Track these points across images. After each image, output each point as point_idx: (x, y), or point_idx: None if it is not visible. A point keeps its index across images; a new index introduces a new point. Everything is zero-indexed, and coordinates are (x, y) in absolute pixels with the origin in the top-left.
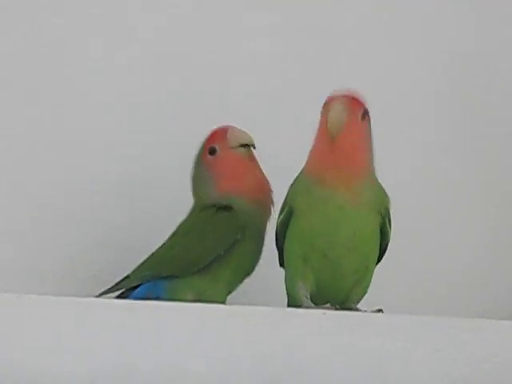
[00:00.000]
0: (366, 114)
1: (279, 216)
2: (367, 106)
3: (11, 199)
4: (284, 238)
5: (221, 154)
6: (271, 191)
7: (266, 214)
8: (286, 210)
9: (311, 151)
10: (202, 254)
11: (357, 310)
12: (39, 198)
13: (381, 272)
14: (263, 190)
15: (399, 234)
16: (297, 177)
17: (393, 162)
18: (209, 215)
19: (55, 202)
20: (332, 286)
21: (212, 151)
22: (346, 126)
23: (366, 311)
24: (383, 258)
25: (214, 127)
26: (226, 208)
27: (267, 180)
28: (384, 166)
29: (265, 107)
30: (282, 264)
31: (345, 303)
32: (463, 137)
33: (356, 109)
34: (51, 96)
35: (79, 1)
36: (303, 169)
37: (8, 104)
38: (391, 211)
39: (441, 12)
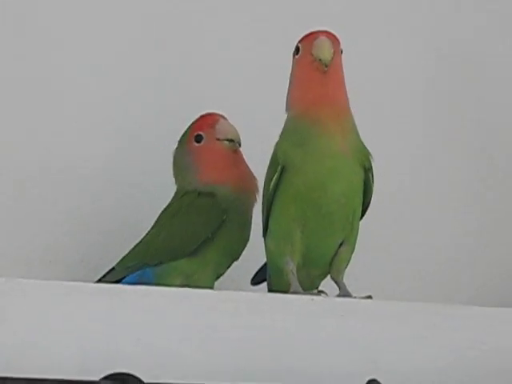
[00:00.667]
0: (342, 50)
1: (269, 178)
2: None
3: (6, 185)
4: (273, 201)
5: (206, 143)
6: (256, 181)
7: (251, 200)
8: (277, 169)
9: (295, 91)
10: (189, 239)
11: (345, 292)
12: (25, 182)
13: (370, 258)
14: (247, 181)
15: (387, 220)
16: (283, 128)
17: (385, 154)
18: (191, 200)
19: (42, 185)
20: (321, 248)
21: (198, 139)
22: (333, 60)
23: (355, 297)
24: (371, 244)
25: (202, 113)
26: (208, 194)
27: (251, 173)
28: (377, 157)
29: (251, 97)
30: (265, 233)
31: (331, 271)
32: (454, 128)
33: (337, 42)
34: (36, 85)
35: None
36: (289, 113)
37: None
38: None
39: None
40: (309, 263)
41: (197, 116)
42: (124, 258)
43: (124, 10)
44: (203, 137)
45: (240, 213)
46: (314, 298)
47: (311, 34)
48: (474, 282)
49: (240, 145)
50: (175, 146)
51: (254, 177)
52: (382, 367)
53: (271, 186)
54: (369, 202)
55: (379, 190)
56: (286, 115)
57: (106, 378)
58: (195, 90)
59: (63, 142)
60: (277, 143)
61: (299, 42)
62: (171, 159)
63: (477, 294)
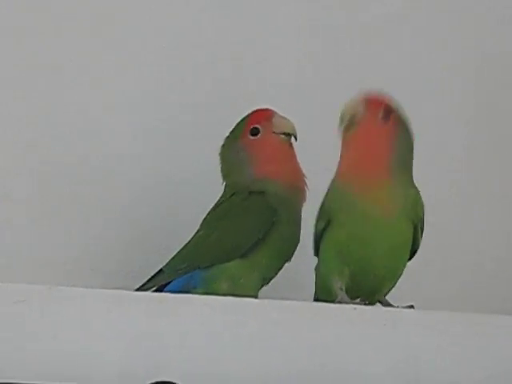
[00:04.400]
0: (388, 114)
1: (317, 222)
2: (395, 107)
3: (38, 193)
4: (320, 241)
5: (263, 136)
6: (305, 178)
7: (300, 199)
8: (324, 218)
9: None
10: (240, 240)
11: (388, 304)
12: (70, 190)
13: (412, 269)
14: (298, 177)
15: (428, 231)
16: (333, 179)
17: (426, 164)
18: (240, 200)
19: (86, 194)
20: (364, 283)
21: (254, 132)
22: (360, 124)
23: (397, 307)
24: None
25: (254, 108)
26: (259, 193)
27: (301, 169)
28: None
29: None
30: (316, 254)
31: (375, 295)
32: (483, 130)
33: (375, 107)
34: (69, 92)
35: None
36: (335, 174)
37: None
38: (424, 218)
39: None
40: (355, 290)
41: (240, 113)
42: (172, 259)
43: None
44: (260, 130)
45: (290, 212)
46: (357, 307)
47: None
48: None
49: (296, 138)
50: (213, 153)
51: (304, 174)
52: (423, 376)
53: (317, 231)
54: (416, 250)
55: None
56: None
57: None
58: (236, 88)
59: (105, 151)
60: (325, 194)
61: None
62: (210, 167)
63: None
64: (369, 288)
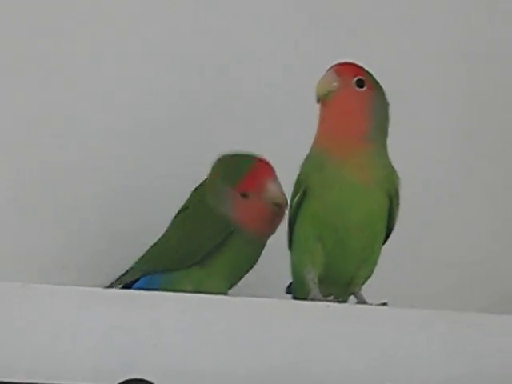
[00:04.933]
0: (363, 82)
1: (293, 196)
2: (368, 74)
3: (10, 189)
4: (296, 218)
5: (252, 201)
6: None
7: None
8: (300, 190)
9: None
10: (196, 247)
11: (363, 301)
12: (39, 188)
13: (386, 265)
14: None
15: (404, 228)
16: (309, 153)
17: (401, 152)
18: (204, 205)
19: (56, 191)
20: (340, 266)
21: (243, 196)
22: (335, 93)
23: (371, 304)
24: (390, 251)
25: (246, 158)
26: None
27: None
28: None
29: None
30: (290, 247)
31: (350, 285)
32: (476, 127)
33: (348, 75)
34: (50, 93)
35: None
36: (313, 143)
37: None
38: (400, 194)
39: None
40: (329, 279)
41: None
42: (141, 258)
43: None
44: (249, 196)
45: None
46: (330, 304)
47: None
48: (492, 289)
49: (286, 208)
50: (191, 154)
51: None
52: (397, 374)
53: (293, 205)
54: (392, 227)
55: (401, 197)
56: None
57: None
58: (220, 89)
59: (80, 146)
60: (302, 164)
61: None
62: (189, 160)
63: (496, 301)
64: (344, 274)
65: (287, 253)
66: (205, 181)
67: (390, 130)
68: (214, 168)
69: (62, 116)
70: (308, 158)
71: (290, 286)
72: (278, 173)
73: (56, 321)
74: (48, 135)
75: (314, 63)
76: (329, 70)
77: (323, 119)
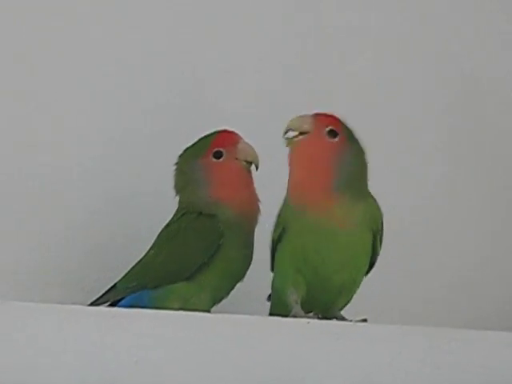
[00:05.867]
0: (335, 132)
1: (274, 231)
2: (343, 125)
3: None
4: (276, 249)
5: (226, 161)
6: (258, 203)
7: (251, 224)
8: (279, 228)
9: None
10: (185, 263)
11: (342, 319)
12: (21, 205)
13: (367, 282)
14: (251, 203)
15: (386, 245)
16: (286, 195)
17: (388, 166)
18: (190, 221)
19: (39, 208)
20: (320, 296)
21: (218, 155)
22: (304, 140)
23: (351, 321)
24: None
25: (218, 129)
26: (209, 215)
27: (256, 195)
28: (378, 171)
29: (259, 112)
30: (272, 269)
31: (329, 310)
32: (462, 140)
33: (321, 123)
34: (41, 102)
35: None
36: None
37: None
38: (384, 227)
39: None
40: (311, 304)
41: (204, 131)
42: (125, 276)
43: (135, 17)
44: (223, 154)
45: (239, 235)
46: (310, 321)
47: None
48: (473, 305)
49: (257, 168)
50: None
51: (257, 198)
52: None
53: (274, 239)
54: (375, 261)
55: (385, 213)
56: None
57: None
58: (201, 106)
59: (59, 163)
60: (281, 206)
61: None
62: (170, 177)
63: (476, 317)
64: (324, 301)
65: (268, 271)
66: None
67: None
68: (177, 168)
69: (47, 129)
70: (284, 202)
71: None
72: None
73: (36, 338)
74: (29, 149)
75: (300, 76)
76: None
77: (291, 167)
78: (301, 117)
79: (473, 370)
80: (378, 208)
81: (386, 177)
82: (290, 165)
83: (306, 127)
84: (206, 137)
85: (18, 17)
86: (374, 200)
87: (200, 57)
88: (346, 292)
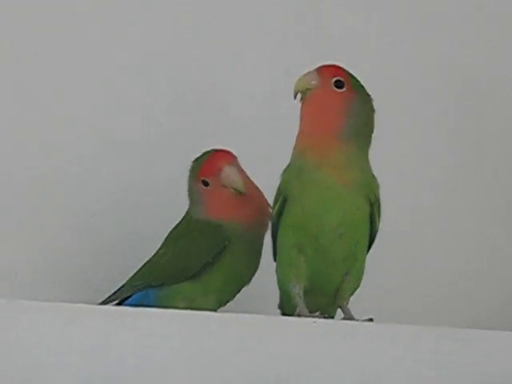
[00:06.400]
0: (342, 82)
1: (274, 206)
2: (350, 76)
3: (1, 206)
4: (278, 228)
5: (213, 188)
6: (268, 210)
7: (261, 230)
8: (279, 199)
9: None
10: (189, 261)
11: (349, 316)
12: (29, 202)
13: (372, 281)
14: (256, 215)
15: (389, 242)
16: (290, 159)
17: (397, 175)
18: (197, 223)
19: (46, 206)
20: (323, 276)
21: (205, 183)
22: (313, 92)
23: (357, 320)
24: (375, 266)
25: (208, 150)
26: (214, 224)
27: (263, 204)
28: (378, 170)
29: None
30: (275, 258)
31: (336, 298)
32: (460, 137)
33: (327, 75)
34: (47, 102)
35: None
36: (293, 150)
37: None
38: (381, 200)
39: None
40: (315, 291)
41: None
42: (133, 276)
43: (138, 27)
44: (209, 183)
45: (246, 241)
46: (317, 320)
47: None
48: (475, 305)
49: (245, 193)
50: (185, 168)
51: (267, 206)
52: None
53: (274, 215)
54: (375, 235)
55: (385, 210)
56: None
57: None
58: (207, 106)
59: (66, 163)
60: (282, 173)
61: None
62: (180, 182)
63: (480, 317)
64: (328, 286)
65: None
66: None
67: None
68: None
69: (50, 130)
70: (288, 165)
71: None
72: (266, 187)
73: (43, 337)
74: (35, 147)
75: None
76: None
77: (301, 118)
78: (305, 74)
79: (480, 370)
80: (374, 177)
81: (386, 176)
82: (300, 119)
83: (313, 83)
84: (197, 160)
85: (18, 17)
86: (371, 169)
87: (208, 56)
88: (350, 273)
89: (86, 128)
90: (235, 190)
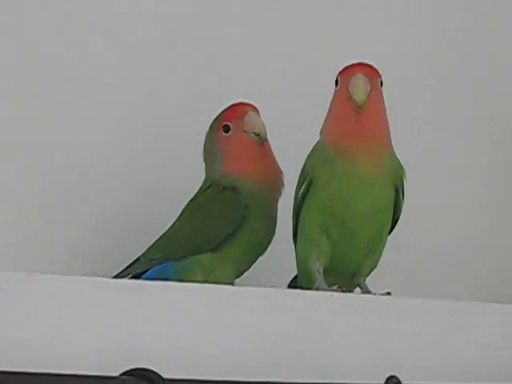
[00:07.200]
0: (382, 82)
1: (299, 187)
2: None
3: (19, 179)
4: (301, 209)
5: (233, 134)
6: (281, 175)
7: (274, 195)
8: (305, 180)
9: (330, 121)
10: (210, 234)
11: (366, 289)
12: (45, 178)
13: (389, 255)
14: (270, 174)
15: (408, 218)
16: (315, 147)
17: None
18: (214, 194)
19: (62, 181)
20: (346, 256)
21: (226, 129)
22: (369, 97)
23: (375, 294)
24: (393, 240)
25: (234, 102)
26: (231, 188)
27: (277, 166)
28: None
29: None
30: (295, 239)
31: (355, 276)
32: (465, 118)
33: (375, 77)
34: (54, 88)
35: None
36: (322, 139)
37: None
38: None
39: None
40: (335, 270)
41: (226, 105)
42: (149, 249)
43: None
44: (231, 127)
45: (263, 208)
46: (334, 294)
47: (350, 67)
48: (494, 279)
49: (266, 139)
50: (197, 141)
51: (280, 170)
52: (401, 363)
53: (299, 196)
54: (398, 217)
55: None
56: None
57: (125, 373)
58: (223, 78)
59: (82, 139)
60: (308, 156)
61: (338, 74)
62: (194, 151)
63: (498, 290)
64: (349, 266)
65: (291, 244)
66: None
67: None
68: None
69: (63, 118)
70: (315, 151)
71: (292, 280)
72: (283, 164)
73: (61, 311)
74: (57, 135)
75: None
76: (353, 72)
77: (354, 124)
78: (360, 82)
79: (496, 343)
80: (400, 162)
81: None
82: (336, 116)
83: (368, 89)
84: (220, 112)
85: (20, 17)
86: (396, 155)
87: (213, 55)
88: (372, 253)
89: (87, 121)
90: (257, 135)
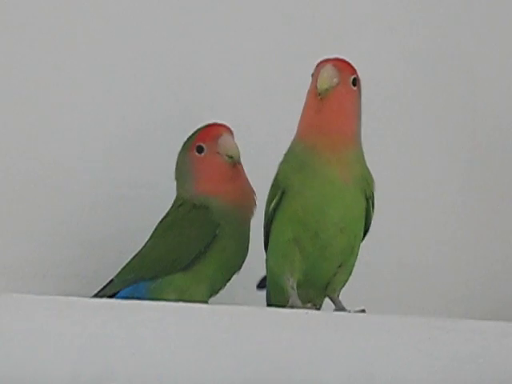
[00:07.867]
0: (356, 81)
1: (270, 200)
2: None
3: None
4: (272, 222)
5: (207, 156)
6: (254, 196)
7: (246, 215)
8: (278, 192)
9: (301, 116)
10: (181, 252)
11: (341, 308)
12: (18, 196)
13: (363, 272)
14: (243, 195)
15: (384, 235)
16: (288, 149)
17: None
18: (185, 212)
19: (35, 199)
20: (318, 269)
21: (199, 150)
22: (335, 89)
23: (349, 311)
24: (367, 256)
25: (207, 122)
26: (202, 207)
27: (250, 187)
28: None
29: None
30: (266, 249)
31: (327, 289)
32: (450, 127)
33: (347, 72)
34: (42, 97)
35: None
36: (295, 136)
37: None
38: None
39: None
40: (308, 283)
41: (200, 125)
42: (122, 269)
43: (130, 17)
44: (204, 148)
45: (235, 226)
46: (309, 312)
47: (325, 60)
48: (470, 295)
49: (239, 162)
50: (173, 154)
51: (252, 191)
52: (376, 381)
53: (271, 207)
54: (368, 228)
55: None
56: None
57: None
58: (198, 98)
59: (56, 155)
60: (279, 165)
61: (316, 66)
62: (167, 169)
63: (473, 307)
64: (322, 279)
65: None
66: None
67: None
68: (176, 159)
69: (41, 124)
70: (288, 156)
71: (261, 281)
72: (254, 176)
73: (35, 330)
74: (26, 145)
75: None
76: (325, 64)
77: (316, 114)
78: (328, 72)
79: (472, 361)
80: (370, 172)
81: (386, 175)
82: (308, 114)
83: (335, 81)
84: (194, 131)
85: (20, 17)
86: (367, 165)
87: (201, 52)
88: (344, 266)
89: (76, 121)
90: (230, 158)
